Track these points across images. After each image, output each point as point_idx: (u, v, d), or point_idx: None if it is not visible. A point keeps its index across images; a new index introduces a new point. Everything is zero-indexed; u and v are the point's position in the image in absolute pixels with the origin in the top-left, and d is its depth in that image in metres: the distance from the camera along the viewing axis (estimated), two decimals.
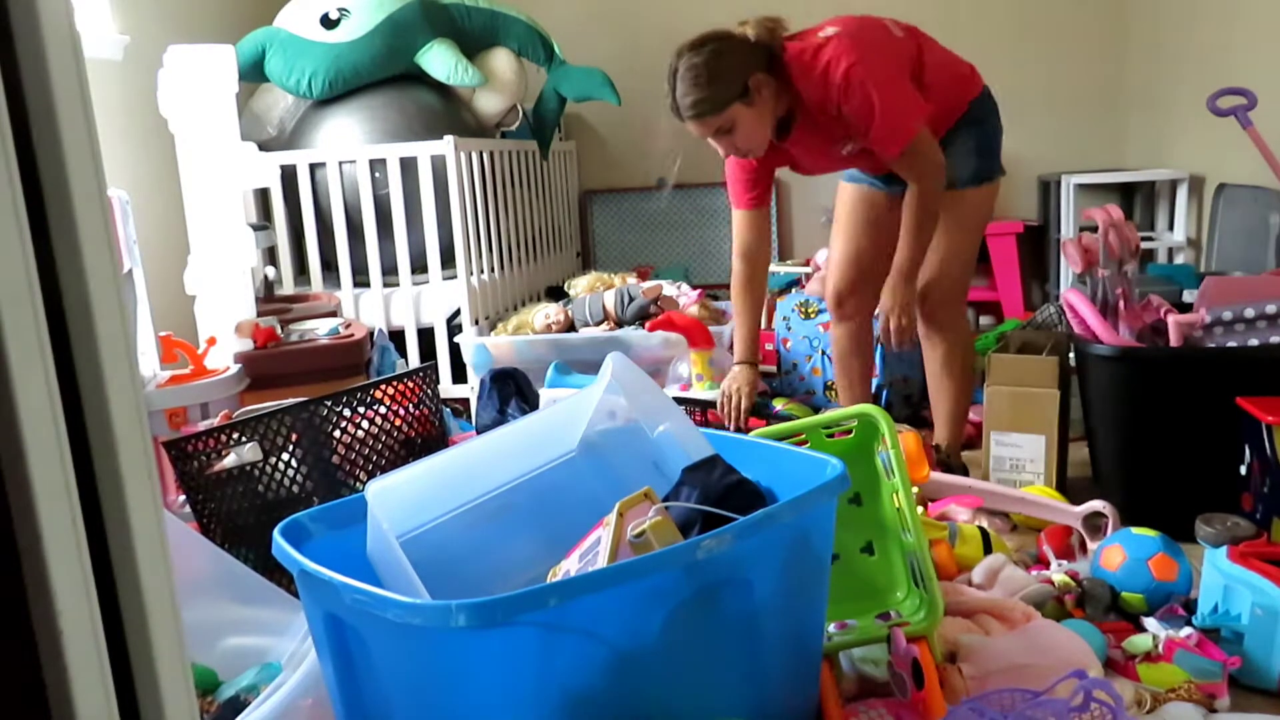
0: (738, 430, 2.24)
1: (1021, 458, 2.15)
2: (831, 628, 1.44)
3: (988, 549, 1.81)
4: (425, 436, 1.89)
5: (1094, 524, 1.93)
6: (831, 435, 1.60)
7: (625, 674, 1.08)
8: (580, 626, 1.05)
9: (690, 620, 1.11)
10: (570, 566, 1.23)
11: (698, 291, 3.19)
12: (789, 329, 2.94)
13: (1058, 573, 1.70)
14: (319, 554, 1.17)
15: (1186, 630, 1.48)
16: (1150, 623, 1.55)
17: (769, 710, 1.22)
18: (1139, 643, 1.50)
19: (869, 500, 1.57)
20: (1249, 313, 1.96)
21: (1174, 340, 2.02)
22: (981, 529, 1.86)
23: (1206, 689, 1.39)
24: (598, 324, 3.02)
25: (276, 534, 1.23)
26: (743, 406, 2.31)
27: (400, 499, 1.27)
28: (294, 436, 1.72)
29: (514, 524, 1.37)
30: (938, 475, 2.10)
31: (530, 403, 2.17)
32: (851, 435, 1.59)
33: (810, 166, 2.31)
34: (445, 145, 3.00)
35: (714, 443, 1.40)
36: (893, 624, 1.41)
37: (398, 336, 3.13)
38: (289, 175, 3.14)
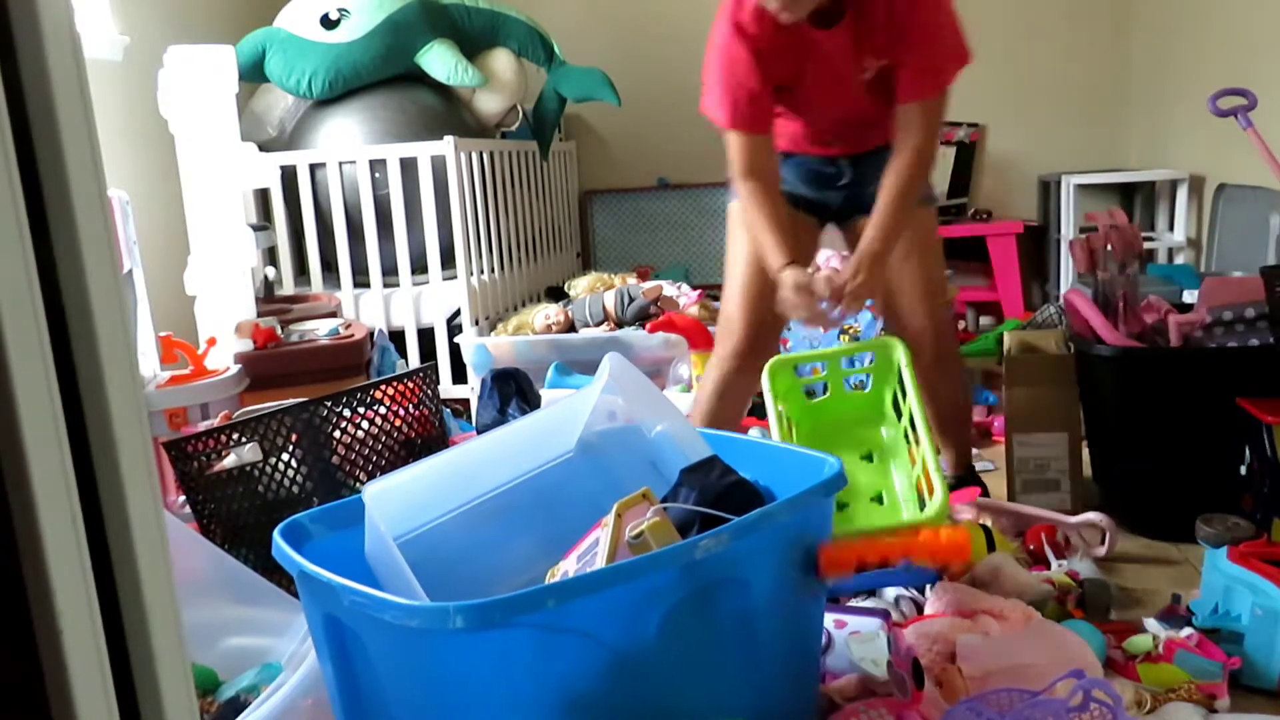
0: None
1: (1045, 456, 2.13)
2: None
3: (991, 547, 1.81)
4: (425, 437, 1.89)
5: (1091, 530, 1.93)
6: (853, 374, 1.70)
7: (623, 674, 1.08)
8: (578, 627, 1.05)
9: (688, 620, 1.11)
10: (569, 567, 1.23)
11: (698, 292, 3.19)
12: (789, 329, 2.94)
13: (1058, 573, 1.70)
14: (319, 554, 1.16)
15: (1187, 630, 1.48)
16: (1150, 623, 1.55)
17: (768, 710, 1.22)
18: (1139, 643, 1.49)
19: (880, 458, 1.65)
20: (1249, 313, 1.96)
21: (1174, 340, 2.02)
22: (984, 527, 1.85)
23: (1206, 689, 1.39)
24: (598, 324, 3.02)
25: (276, 535, 1.22)
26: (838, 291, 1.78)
27: (398, 500, 1.27)
28: (294, 437, 1.72)
29: (512, 524, 1.37)
30: None
31: (531, 403, 2.17)
32: (868, 391, 1.64)
33: (814, 88, 1.88)
34: (445, 145, 3.00)
35: (712, 443, 1.40)
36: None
37: (398, 337, 3.14)
38: (289, 176, 3.14)
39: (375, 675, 1.13)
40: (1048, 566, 1.78)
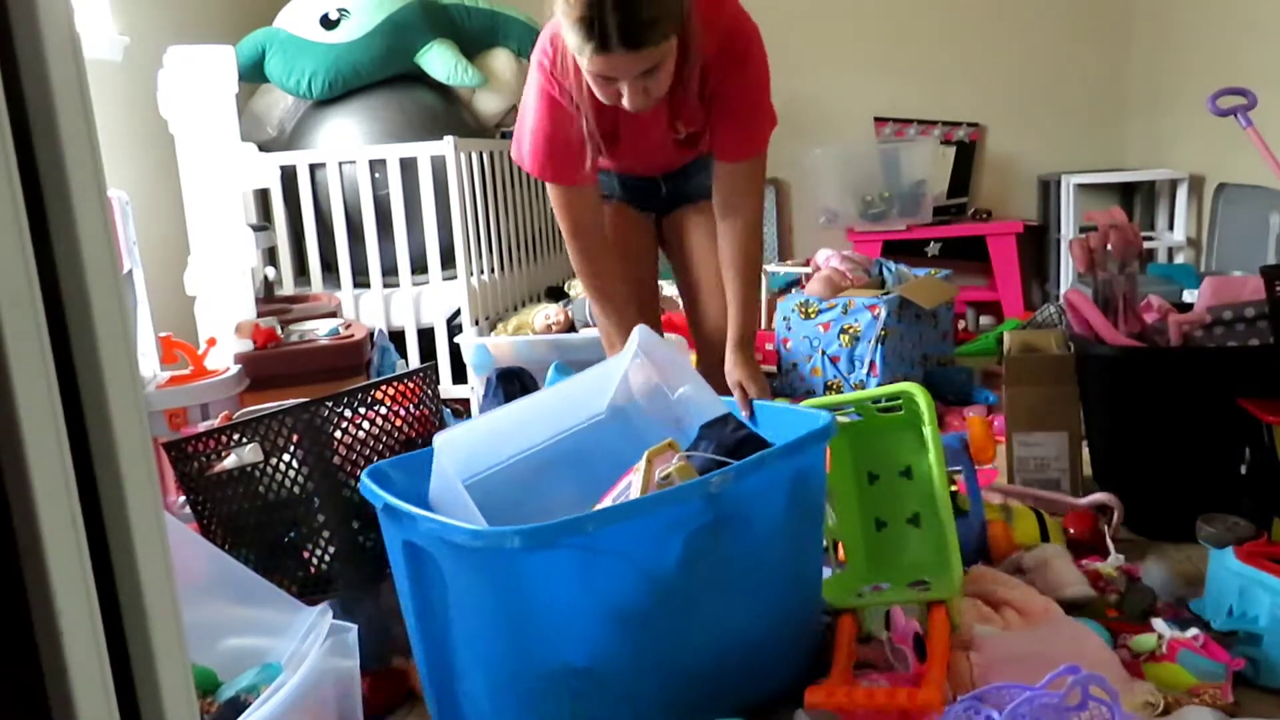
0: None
1: (1046, 456, 2.14)
2: (867, 588, 1.56)
3: (1044, 534, 1.82)
4: (426, 437, 1.89)
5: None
6: (884, 410, 1.65)
7: (653, 589, 1.29)
8: (613, 548, 1.26)
9: (704, 547, 1.31)
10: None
11: None
12: (789, 329, 2.94)
13: (1110, 566, 1.68)
14: (398, 494, 1.40)
15: (1192, 631, 1.48)
16: (1157, 623, 1.54)
17: (773, 631, 1.42)
18: (1144, 642, 1.49)
19: (918, 473, 1.63)
20: (1249, 312, 1.96)
21: (1174, 340, 2.02)
22: (1037, 513, 1.86)
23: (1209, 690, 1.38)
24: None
25: (364, 476, 1.48)
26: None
27: (462, 448, 1.49)
28: (295, 437, 1.72)
29: (556, 476, 1.59)
30: None
31: None
32: (902, 412, 1.63)
33: (628, 145, 1.91)
34: (445, 145, 3.00)
35: (725, 403, 1.62)
36: (921, 592, 1.48)
37: (398, 337, 3.13)
38: (289, 176, 3.14)
39: (445, 590, 1.34)
40: (1102, 557, 1.76)
